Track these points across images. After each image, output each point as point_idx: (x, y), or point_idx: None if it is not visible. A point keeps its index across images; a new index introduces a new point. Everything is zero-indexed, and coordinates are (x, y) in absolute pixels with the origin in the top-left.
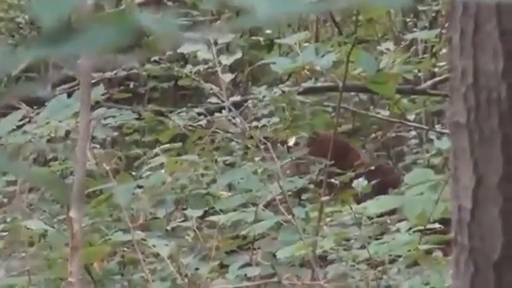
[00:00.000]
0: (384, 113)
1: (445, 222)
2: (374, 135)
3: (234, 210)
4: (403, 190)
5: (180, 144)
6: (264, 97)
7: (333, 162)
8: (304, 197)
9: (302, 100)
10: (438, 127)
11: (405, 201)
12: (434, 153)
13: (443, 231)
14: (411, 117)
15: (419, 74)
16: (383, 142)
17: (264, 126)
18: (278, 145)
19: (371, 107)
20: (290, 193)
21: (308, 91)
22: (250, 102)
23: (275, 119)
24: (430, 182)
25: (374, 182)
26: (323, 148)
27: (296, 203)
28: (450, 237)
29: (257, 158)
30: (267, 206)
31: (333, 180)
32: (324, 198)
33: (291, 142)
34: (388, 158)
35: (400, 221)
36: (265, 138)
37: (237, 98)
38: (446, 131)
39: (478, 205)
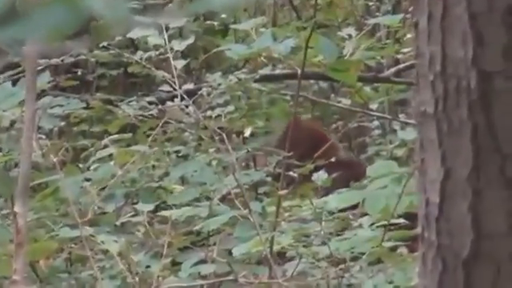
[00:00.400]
0: (345, 102)
1: (410, 216)
2: (334, 125)
3: (188, 205)
4: (365, 184)
5: (130, 135)
6: (219, 85)
7: (291, 153)
8: (261, 190)
9: (259, 88)
10: (401, 117)
11: (367, 194)
12: (397, 144)
13: (408, 227)
14: (374, 106)
15: (382, 61)
16: (345, 132)
17: (219, 115)
18: (234, 136)
19: (332, 96)
20: (246, 186)
21: (265, 79)
22: (204, 90)
23: (230, 108)
24: (393, 175)
25: (334, 175)
26: (295, 137)
27: (253, 197)
28: (415, 232)
29: (211, 150)
30: (222, 200)
31: (291, 173)
32: (282, 192)
33: (247, 132)
34: (350, 150)
35: (362, 216)
36: (219, 128)
37: (190, 86)
38: (411, 121)
39: (446, 199)
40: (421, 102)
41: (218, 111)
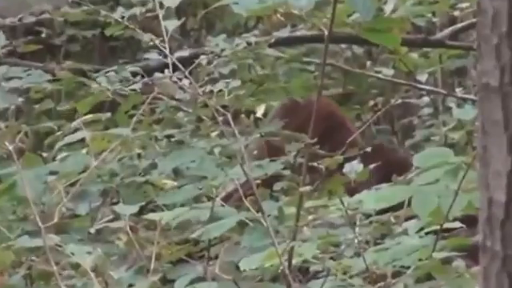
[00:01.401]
0: (387, 72)
1: (469, 220)
2: (372, 102)
3: (182, 205)
4: (412, 178)
5: (108, 115)
6: (222, 50)
7: (316, 139)
8: (277, 187)
9: (275, 55)
10: (458, 91)
11: (414, 192)
12: (453, 126)
13: (466, 233)
14: (423, 77)
15: (434, 20)
16: (386, 111)
17: (222, 90)
18: (242, 116)
19: (369, 64)
20: (258, 181)
21: (283, 42)
22: (203, 57)
23: (237, 82)
24: (447, 166)
25: (372, 166)
26: (303, 120)
27: (266, 196)
28: (475, 241)
29: (213, 134)
30: (227, 199)
31: (316, 164)
32: (304, 189)
33: (259, 112)
34: (392, 134)
35: (408, 219)
36: (223, 107)
37: (185, 53)
38: (471, 97)
39: None
40: (482, 73)
41: (221, 85)
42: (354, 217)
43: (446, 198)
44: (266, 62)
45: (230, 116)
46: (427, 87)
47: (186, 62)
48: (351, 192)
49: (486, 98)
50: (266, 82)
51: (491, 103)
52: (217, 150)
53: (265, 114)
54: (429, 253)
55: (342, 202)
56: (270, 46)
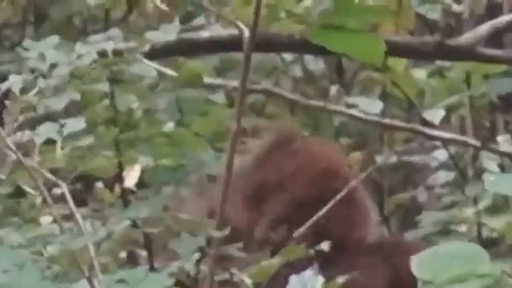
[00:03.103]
0: (369, 106)
1: None
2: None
3: None
4: None
5: None
6: (53, 66)
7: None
8: None
9: (151, 74)
10: (503, 141)
11: None
12: (490, 204)
13: None
14: (437, 116)
15: (457, 8)
16: (368, 178)
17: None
18: (99, 186)
19: (334, 90)
20: None
21: (170, 50)
22: (15, 78)
23: (80, 124)
24: (479, 280)
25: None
26: (293, 171)
27: None
28: None
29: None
30: None
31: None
32: None
33: (131, 178)
34: (382, 218)
35: None
36: (53, 172)
37: None
38: None
39: None
40: None
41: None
42: None
43: None
44: (137, 88)
45: (66, 189)
46: (443, 133)
47: None
48: None
49: None
50: (137, 124)
51: None
52: (51, 250)
53: (141, 182)
54: None
55: None
56: (148, 56)
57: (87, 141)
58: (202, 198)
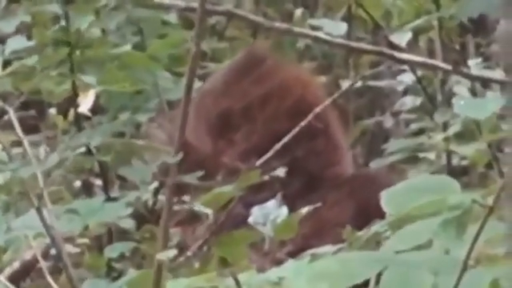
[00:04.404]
0: (333, 28)
1: None
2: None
3: None
4: (383, 230)
5: None
6: None
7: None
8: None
9: None
10: (473, 65)
11: (386, 264)
12: (459, 130)
13: None
14: (403, 38)
15: None
16: (334, 102)
17: None
18: (51, 112)
19: (298, 13)
20: None
21: None
22: None
23: (24, 42)
24: (449, 212)
25: (316, 204)
26: (265, 93)
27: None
28: None
29: None
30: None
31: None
32: (163, 255)
33: (85, 103)
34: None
35: None
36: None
37: None
38: (496, 76)
39: None
40: None
41: None
42: None
43: (445, 275)
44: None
45: (12, 114)
46: (412, 57)
47: None
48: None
49: None
50: (88, 45)
51: None
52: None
53: (96, 108)
54: None
55: (238, 283)
56: None
57: (32, 60)
58: (161, 126)
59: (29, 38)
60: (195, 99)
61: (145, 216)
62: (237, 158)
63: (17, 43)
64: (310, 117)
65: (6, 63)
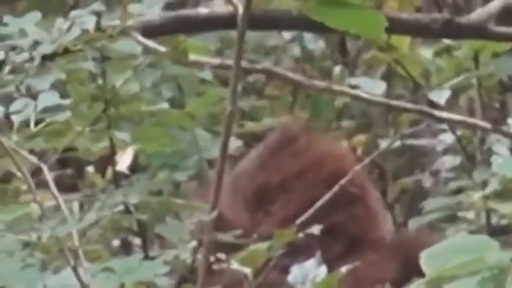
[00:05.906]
0: (371, 87)
1: None
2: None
3: None
4: None
5: None
6: (35, 44)
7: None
8: None
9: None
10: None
11: None
12: (500, 190)
13: None
14: (442, 96)
15: None
16: (372, 162)
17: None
18: (89, 171)
19: (337, 71)
20: None
21: (161, 27)
22: None
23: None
24: (487, 271)
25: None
26: (299, 170)
27: None
28: None
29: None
30: None
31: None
32: None
33: (124, 161)
34: (386, 204)
35: None
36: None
37: None
38: None
39: None
40: None
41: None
42: None
43: None
44: (124, 66)
45: (47, 172)
46: (452, 115)
47: None
48: None
49: None
50: (124, 102)
51: None
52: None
53: (135, 166)
54: None
55: None
56: (144, 33)
57: (64, 116)
58: (199, 194)
59: (62, 96)
60: (231, 178)
61: (185, 275)
62: (275, 227)
63: (49, 99)
64: (345, 180)
65: (39, 121)
